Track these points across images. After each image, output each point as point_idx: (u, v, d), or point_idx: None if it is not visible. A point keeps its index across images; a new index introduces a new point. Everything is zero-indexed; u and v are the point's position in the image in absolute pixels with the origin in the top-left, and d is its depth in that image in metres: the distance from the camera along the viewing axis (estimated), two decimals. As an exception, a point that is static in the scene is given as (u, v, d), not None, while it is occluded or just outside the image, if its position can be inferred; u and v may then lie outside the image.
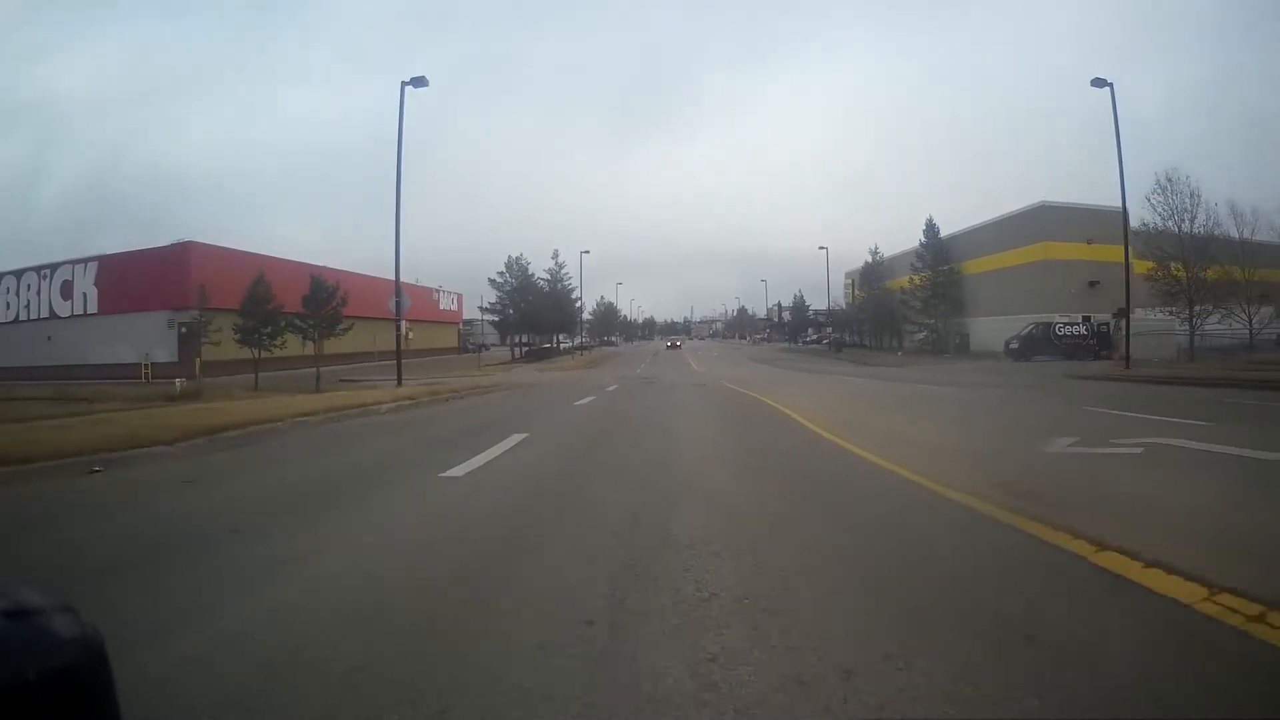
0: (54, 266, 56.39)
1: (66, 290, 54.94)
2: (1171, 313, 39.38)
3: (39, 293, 56.41)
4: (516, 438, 9.74)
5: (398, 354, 28.58)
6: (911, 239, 66.95)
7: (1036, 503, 4.79)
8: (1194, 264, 36.99)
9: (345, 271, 54.73)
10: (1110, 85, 30.90)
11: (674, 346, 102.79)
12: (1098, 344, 43.33)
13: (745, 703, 2.24)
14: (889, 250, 76.45)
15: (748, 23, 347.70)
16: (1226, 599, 2.92)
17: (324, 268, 52.45)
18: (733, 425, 11.67)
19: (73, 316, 54.20)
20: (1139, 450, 7.34)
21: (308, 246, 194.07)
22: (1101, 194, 54.98)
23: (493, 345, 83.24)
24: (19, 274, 57.63)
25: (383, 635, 2.86)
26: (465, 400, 19.98)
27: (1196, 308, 37.40)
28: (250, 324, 39.30)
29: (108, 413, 15.74)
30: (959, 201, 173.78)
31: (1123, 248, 34.73)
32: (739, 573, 3.59)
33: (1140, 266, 37.22)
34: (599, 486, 6.27)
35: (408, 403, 18.28)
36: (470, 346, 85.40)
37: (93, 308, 53.73)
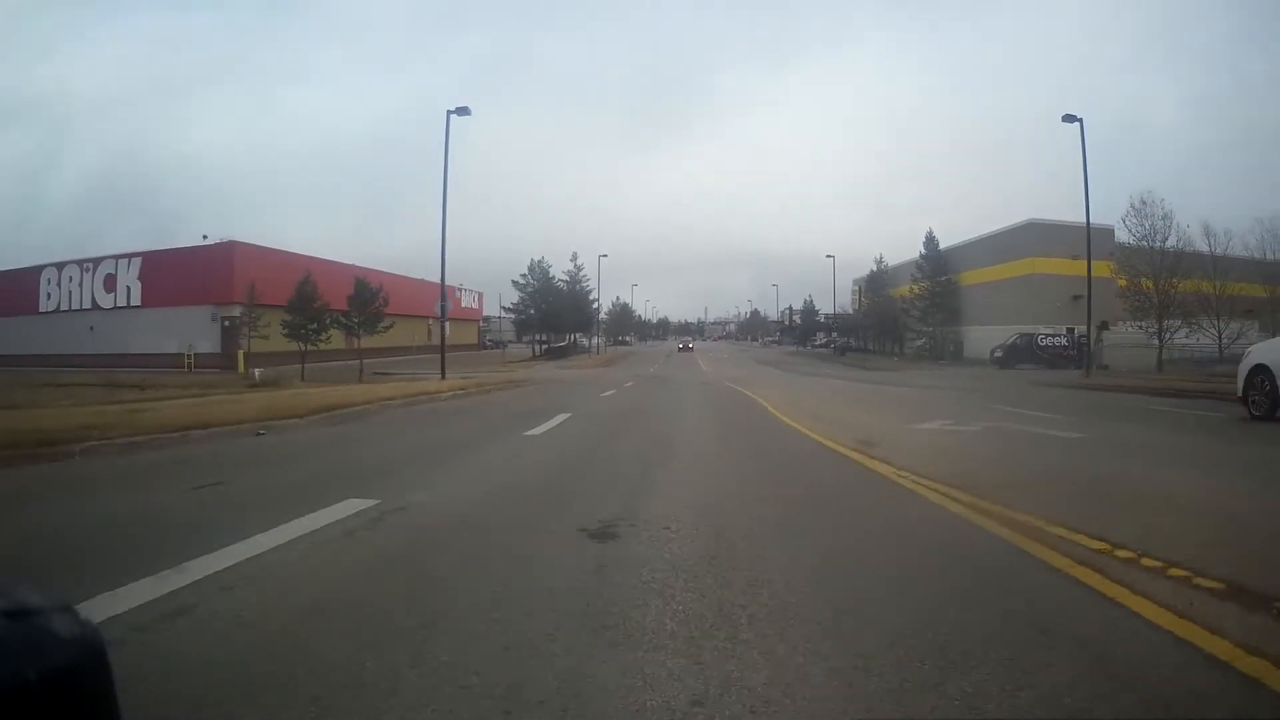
0: (97, 260, 59.77)
1: (110, 283, 58.30)
2: (1141, 326, 42.18)
3: (80, 285, 59.71)
4: (563, 416, 13.54)
5: (442, 351, 32.43)
6: (917, 248, 70.42)
7: (878, 449, 8.53)
8: (1164, 280, 39.84)
9: (378, 271, 58.49)
10: (1080, 120, 34.40)
11: (686, 349, 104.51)
12: (1077, 354, 45.82)
13: (699, 491, 6.06)
14: (894, 259, 79.33)
15: (765, 27, 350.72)
16: (958, 494, 6.63)
17: (364, 268, 56.58)
18: (720, 412, 15.43)
19: (115, 308, 57.51)
20: (979, 428, 11.13)
21: (317, 241, 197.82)
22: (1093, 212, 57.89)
23: (510, 342, 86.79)
24: (60, 266, 60.93)
25: (540, 487, 6.68)
26: (505, 392, 23.78)
27: (1166, 322, 40.12)
28: (298, 320, 43.04)
29: (212, 397, 19.20)
30: (966, 213, 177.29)
31: (1104, 264, 38.81)
32: (703, 470, 7.42)
33: (1122, 283, 40.94)
34: (628, 439, 10.15)
35: (460, 393, 22.05)
36: (489, 343, 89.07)
37: (136, 300, 57.01)
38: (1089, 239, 35.48)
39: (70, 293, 60.21)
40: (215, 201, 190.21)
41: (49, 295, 60.97)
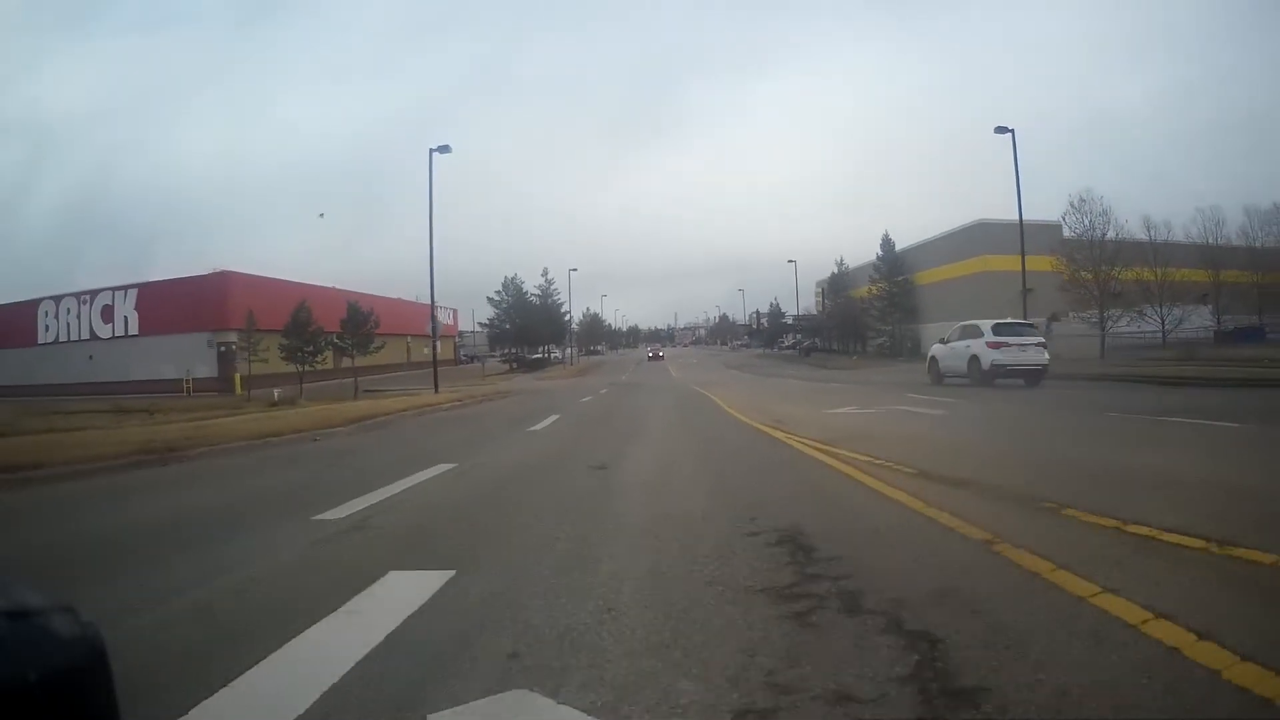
0: (94, 292, 62.05)
1: (107, 314, 60.63)
2: (1082, 318, 45.15)
3: (79, 316, 61.97)
4: (554, 417, 16.70)
5: (434, 369, 35.46)
6: (877, 249, 74.22)
7: (786, 425, 11.80)
8: (1103, 272, 43.18)
9: (364, 294, 61.28)
10: (1011, 132, 38.11)
11: (656, 357, 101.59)
12: None
13: (656, 451, 9.33)
14: (856, 260, 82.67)
15: (732, 41, 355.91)
16: (860, 458, 9.96)
17: (350, 291, 59.63)
18: (680, 409, 18.64)
19: (114, 338, 59.85)
20: (872, 411, 14.49)
21: (295, 256, 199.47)
22: (1047, 209, 61.22)
23: (485, 356, 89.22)
24: (58, 299, 63.14)
25: (554, 454, 9.91)
26: (496, 402, 26.90)
27: (1108, 312, 43.22)
28: (295, 343, 46.05)
29: (247, 415, 22.43)
30: (927, 213, 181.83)
31: (1050, 259, 43.52)
32: (660, 441, 10.69)
33: (1065, 276, 44.57)
34: (608, 427, 13.46)
35: (458, 404, 25.15)
36: (464, 358, 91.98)
37: (134, 329, 59.44)
38: (1023, 242, 39.09)
39: (68, 324, 62.55)
40: (192, 221, 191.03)
41: (47, 327, 63.26)
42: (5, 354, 61.82)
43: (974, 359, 22.22)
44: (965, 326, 23.97)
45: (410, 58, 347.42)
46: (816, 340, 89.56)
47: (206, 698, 2.44)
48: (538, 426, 14.35)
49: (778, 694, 2.33)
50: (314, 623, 3.15)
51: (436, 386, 33.83)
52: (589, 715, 2.24)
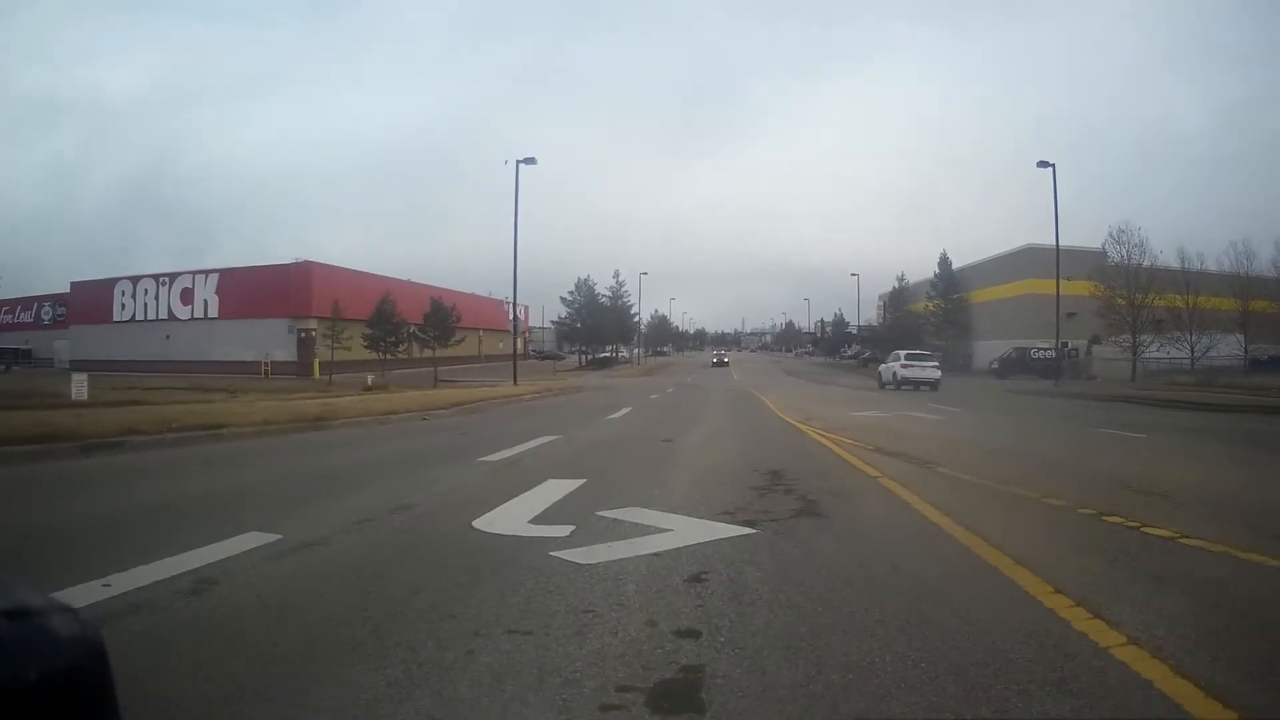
0: (173, 275, 65.56)
1: (186, 296, 63.96)
2: (1115, 342, 47.50)
3: (157, 297, 65.36)
4: (627, 409, 19.90)
5: (514, 362, 39.40)
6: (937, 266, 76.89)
7: (813, 422, 14.90)
8: (1137, 299, 45.12)
9: (441, 288, 65.43)
10: (1052, 166, 40.63)
11: (720, 363, 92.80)
12: (1062, 367, 49.74)
13: (707, 433, 12.55)
14: (915, 276, 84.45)
15: (806, 40, 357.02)
16: (844, 440, 13.11)
17: (428, 286, 63.89)
18: (733, 405, 21.86)
19: (192, 319, 63.14)
20: (889, 414, 17.50)
21: (360, 248, 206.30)
22: (1092, 236, 62.88)
23: (554, 353, 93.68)
24: (135, 279, 66.80)
25: (631, 434, 13.18)
26: (571, 395, 30.24)
27: (1141, 337, 45.25)
28: (378, 333, 50.06)
29: (346, 398, 26.07)
30: (988, 228, 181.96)
31: (1092, 284, 45.88)
32: (712, 427, 13.92)
33: (1098, 299, 46.86)
34: (672, 418, 16.63)
35: (538, 396, 28.50)
36: (533, 353, 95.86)
37: (213, 313, 62.68)
38: (1058, 271, 41.58)
39: (145, 304, 66.09)
40: (254, 210, 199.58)
41: (123, 306, 66.98)
42: (83, 330, 66.62)
43: (893, 373, 36.83)
44: (893, 354, 40.34)
45: (473, 58, 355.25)
46: (875, 352, 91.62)
47: (482, 514, 5.65)
48: (613, 416, 17.59)
49: (749, 511, 5.60)
50: (513, 497, 6.38)
51: (516, 379, 37.36)
52: (670, 512, 5.50)
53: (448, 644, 2.95)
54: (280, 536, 4.62)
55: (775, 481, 7.09)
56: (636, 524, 5.20)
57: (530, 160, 40.21)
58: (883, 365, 41.72)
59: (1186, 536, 4.78)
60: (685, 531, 4.96)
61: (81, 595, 3.37)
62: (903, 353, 38.91)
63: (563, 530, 5.03)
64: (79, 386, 22.03)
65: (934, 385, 34.36)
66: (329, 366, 50.02)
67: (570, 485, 6.85)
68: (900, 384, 35.45)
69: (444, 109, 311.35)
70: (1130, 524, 5.16)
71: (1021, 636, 3.01)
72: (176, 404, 16.98)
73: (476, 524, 5.28)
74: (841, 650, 2.88)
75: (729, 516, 5.45)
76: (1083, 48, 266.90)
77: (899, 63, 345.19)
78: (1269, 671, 2.64)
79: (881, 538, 4.92)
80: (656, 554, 4.40)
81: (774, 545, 4.64)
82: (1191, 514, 5.59)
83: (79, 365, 56.35)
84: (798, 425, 14.20)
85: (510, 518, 5.52)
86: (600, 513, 5.56)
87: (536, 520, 5.43)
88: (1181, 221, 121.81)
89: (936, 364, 37.04)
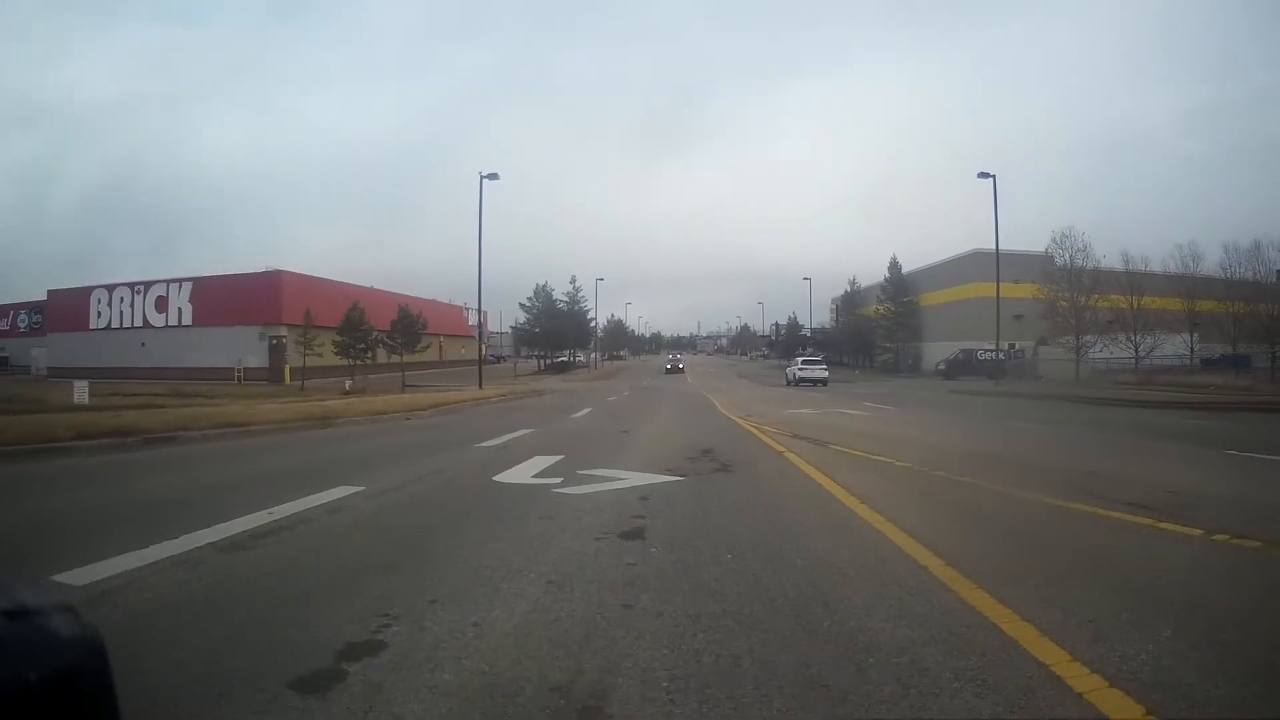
0: (148, 284, 66.19)
1: (161, 304, 64.75)
2: (1060, 343, 49.61)
3: (132, 305, 66.01)
4: (587, 409, 22.19)
5: (479, 367, 41.31)
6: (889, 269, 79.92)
7: (751, 417, 17.32)
8: (1080, 301, 47.41)
9: (402, 295, 67.17)
10: (993, 177, 43.48)
11: (675, 369, 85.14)
12: (1006, 367, 52.65)
13: (659, 427, 14.92)
14: (867, 280, 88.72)
15: (765, 49, 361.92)
16: (770, 430, 15.54)
17: (395, 294, 65.59)
18: (684, 405, 24.15)
19: (167, 327, 63.95)
20: (821, 411, 19.99)
21: (326, 251, 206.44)
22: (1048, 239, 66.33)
23: (508, 357, 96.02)
24: (110, 288, 67.54)
25: (594, 428, 15.48)
26: (535, 398, 32.30)
27: (1085, 337, 47.43)
28: (348, 340, 51.92)
29: (326, 402, 28.24)
30: (940, 231, 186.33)
31: (1036, 287, 49.81)
32: (665, 423, 16.26)
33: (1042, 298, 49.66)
34: (629, 416, 18.96)
35: (504, 399, 30.56)
36: (491, 358, 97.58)
37: (187, 320, 63.66)
38: (998, 275, 44.34)
39: (121, 312, 66.89)
40: (221, 213, 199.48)
41: (99, 314, 67.68)
42: (60, 337, 67.51)
43: (794, 374, 49.03)
44: (794, 358, 55.24)
45: (439, 63, 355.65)
46: (826, 355, 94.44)
47: (497, 474, 7.94)
48: (577, 415, 19.84)
49: (681, 470, 7.99)
50: (514, 465, 8.68)
51: (481, 383, 39.49)
52: (627, 470, 7.88)
53: (505, 524, 5.30)
54: (364, 488, 6.85)
55: (705, 454, 9.49)
56: (605, 476, 7.58)
57: (493, 176, 42.19)
58: (788, 368, 55.16)
59: (986, 484, 7.20)
60: (637, 479, 7.38)
61: (258, 519, 5.51)
62: (799, 358, 52.28)
63: (556, 480, 7.39)
64: (80, 392, 23.83)
65: (824, 383, 45.53)
66: (300, 372, 51.53)
67: (553, 459, 9.17)
68: (799, 382, 46.56)
69: (408, 116, 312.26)
70: (952, 477, 7.59)
71: (834, 521, 5.49)
72: (187, 407, 18.98)
73: (496, 479, 7.62)
74: (723, 522, 5.33)
75: (668, 472, 7.85)
76: (1038, 55, 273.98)
77: (856, 71, 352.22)
78: (1001, 553, 5.06)
79: (767, 483, 7.32)
80: (619, 489, 6.81)
81: (695, 486, 7.04)
82: (1008, 473, 8.01)
83: (57, 372, 57.37)
84: (737, 420, 16.58)
85: (517, 476, 7.86)
86: (579, 472, 7.92)
87: (536, 476, 7.79)
88: (1147, 223, 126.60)
89: (825, 367, 49.75)
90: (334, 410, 18.37)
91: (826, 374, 47.36)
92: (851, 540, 4.83)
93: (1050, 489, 6.76)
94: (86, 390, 23.85)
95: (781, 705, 2.42)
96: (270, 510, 5.73)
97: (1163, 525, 5.19)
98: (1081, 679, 2.58)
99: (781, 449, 10.26)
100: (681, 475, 7.66)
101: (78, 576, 3.84)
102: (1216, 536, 4.85)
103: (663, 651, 2.89)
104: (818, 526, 5.28)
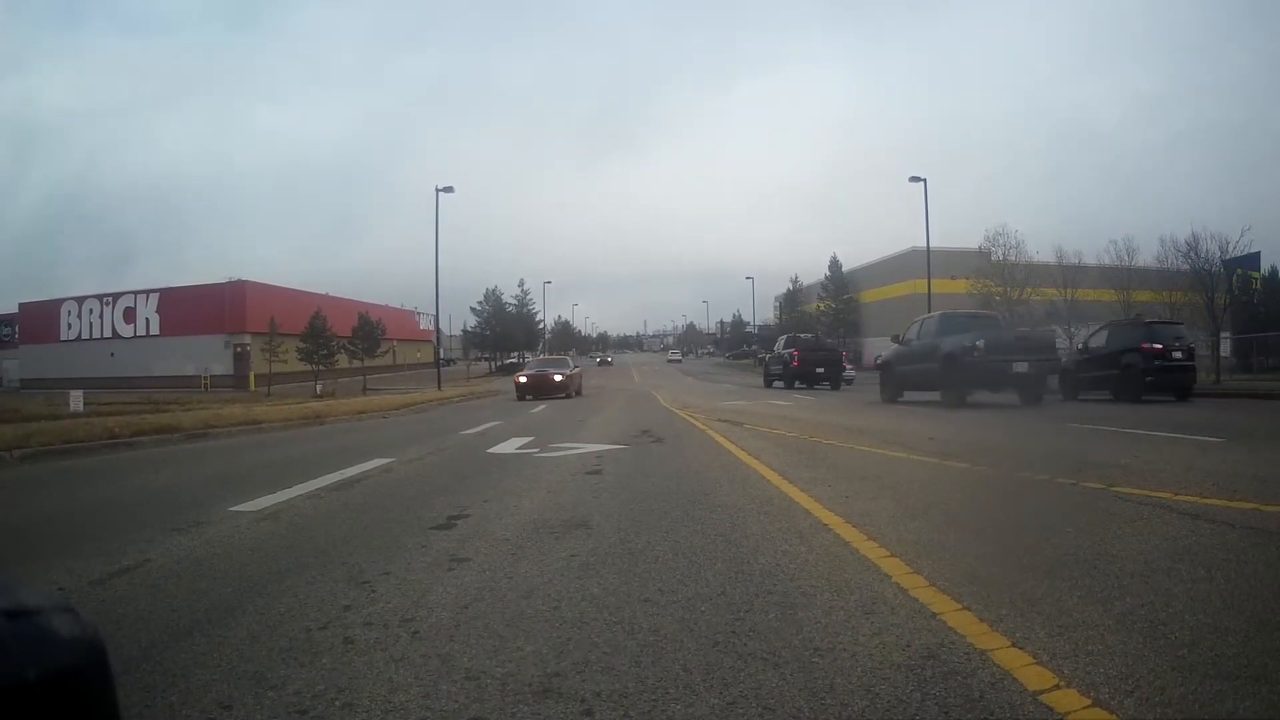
0: (116, 295, 68.94)
1: (129, 315, 67.59)
2: None
3: (101, 316, 68.76)
4: (543, 405, 24.71)
5: (437, 369, 43.73)
6: (834, 267, 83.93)
7: (686, 408, 20.07)
8: (1011, 295, 50.16)
9: (365, 302, 69.19)
10: (924, 180, 46.49)
11: (604, 363, 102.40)
12: None
13: (608, 417, 17.61)
14: (809, 278, 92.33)
15: (708, 50, 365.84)
16: (700, 416, 18.31)
17: (354, 301, 67.70)
18: (630, 400, 26.78)
19: (135, 337, 66.60)
20: (749, 401, 22.83)
21: (273, 262, 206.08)
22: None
23: (458, 360, 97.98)
24: (80, 300, 69.94)
25: (555, 419, 18.10)
26: (491, 398, 34.56)
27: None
28: (312, 347, 54.07)
29: (306, 404, 30.52)
30: (882, 228, 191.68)
31: (970, 282, 52.64)
32: (612, 414, 18.96)
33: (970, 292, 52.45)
34: (581, 409, 21.61)
35: (465, 398, 33.16)
36: (444, 361, 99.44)
37: (155, 330, 66.40)
38: (929, 272, 47.34)
39: (90, 324, 69.20)
40: (178, 222, 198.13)
41: (69, 325, 69.88)
42: (31, 349, 69.05)
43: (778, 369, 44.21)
44: (773, 349, 48.28)
45: (387, 71, 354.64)
46: (768, 351, 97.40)
47: (488, 449, 10.54)
48: (535, 410, 22.33)
49: (626, 441, 10.74)
50: (498, 444, 11.29)
51: (440, 385, 41.90)
52: (586, 443, 10.65)
53: (509, 472, 7.98)
54: (394, 459, 9.44)
55: (644, 432, 12.27)
56: (570, 447, 10.31)
57: (449, 189, 44.56)
58: (767, 362, 54.24)
59: (834, 442, 10.08)
60: (594, 447, 10.14)
61: (325, 480, 7.95)
62: (781, 342, 48.89)
63: (535, 450, 10.09)
64: (76, 401, 25.87)
65: (850, 381, 46.15)
66: (265, 379, 53.51)
67: (528, 438, 11.84)
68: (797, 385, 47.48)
69: (357, 125, 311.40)
70: (823, 442, 10.42)
71: (723, 462, 8.32)
72: (189, 410, 21.24)
73: (489, 451, 10.32)
74: (650, 467, 8.10)
75: (615, 443, 10.61)
76: (983, 52, 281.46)
77: (799, 71, 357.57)
78: (811, 470, 7.89)
79: (689, 451, 10.04)
80: (582, 453, 9.53)
81: (635, 451, 9.77)
82: (858, 437, 10.86)
83: (29, 384, 58.49)
84: (673, 409, 19.35)
85: (505, 449, 10.55)
86: (550, 444, 10.65)
87: (519, 449, 10.45)
88: (1086, 219, 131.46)
89: (850, 365, 46.80)
90: (322, 411, 20.74)
91: (852, 373, 42.12)
92: (728, 469, 7.72)
93: (863, 441, 10.10)
94: (81, 399, 25.84)
95: (669, 524, 5.09)
96: (341, 471, 8.18)
97: (897, 454, 8.27)
98: (835, 525, 5.37)
99: (704, 428, 13.04)
100: (626, 444, 10.44)
101: (258, 504, 6.24)
102: (929, 458, 8.00)
103: (615, 510, 5.61)
104: (712, 464, 8.18)
